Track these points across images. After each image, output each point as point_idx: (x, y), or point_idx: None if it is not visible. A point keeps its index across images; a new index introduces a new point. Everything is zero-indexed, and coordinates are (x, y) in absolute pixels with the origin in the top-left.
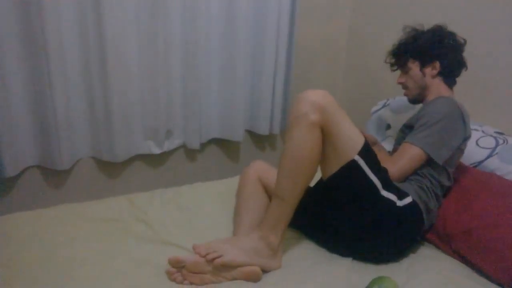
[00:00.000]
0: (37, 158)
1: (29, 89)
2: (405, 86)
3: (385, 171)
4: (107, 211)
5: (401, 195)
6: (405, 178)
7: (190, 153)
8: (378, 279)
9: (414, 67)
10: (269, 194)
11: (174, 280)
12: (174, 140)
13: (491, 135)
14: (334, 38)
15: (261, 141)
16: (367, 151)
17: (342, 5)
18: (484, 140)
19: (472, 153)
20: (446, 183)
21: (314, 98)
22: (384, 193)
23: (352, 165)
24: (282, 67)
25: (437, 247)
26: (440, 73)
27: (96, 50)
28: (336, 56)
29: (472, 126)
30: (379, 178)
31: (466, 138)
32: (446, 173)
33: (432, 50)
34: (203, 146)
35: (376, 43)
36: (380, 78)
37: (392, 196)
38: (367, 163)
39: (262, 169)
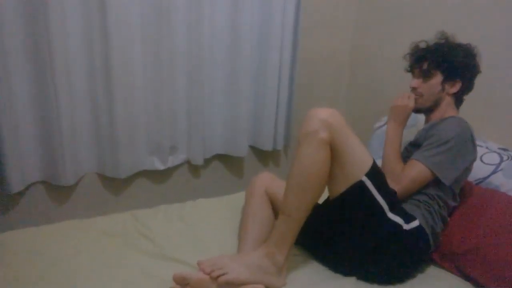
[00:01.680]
0: (42, 174)
1: (34, 106)
2: (418, 93)
3: (393, 193)
4: (111, 226)
5: (408, 218)
6: (410, 196)
7: (194, 169)
8: None
9: (437, 77)
10: (276, 207)
11: None
12: (178, 155)
13: (495, 151)
14: (337, 53)
15: (264, 157)
16: (375, 172)
17: (345, 21)
18: (488, 156)
19: (477, 169)
20: (452, 203)
21: (324, 116)
22: (391, 215)
23: (359, 186)
24: (286, 83)
25: (441, 266)
26: (455, 93)
27: (101, 67)
28: (340, 71)
29: (476, 142)
30: (386, 200)
31: (474, 159)
32: (452, 193)
33: (461, 69)
34: (207, 161)
35: (379, 59)
36: (383, 93)
37: (398, 219)
38: (374, 184)
39: (269, 181)
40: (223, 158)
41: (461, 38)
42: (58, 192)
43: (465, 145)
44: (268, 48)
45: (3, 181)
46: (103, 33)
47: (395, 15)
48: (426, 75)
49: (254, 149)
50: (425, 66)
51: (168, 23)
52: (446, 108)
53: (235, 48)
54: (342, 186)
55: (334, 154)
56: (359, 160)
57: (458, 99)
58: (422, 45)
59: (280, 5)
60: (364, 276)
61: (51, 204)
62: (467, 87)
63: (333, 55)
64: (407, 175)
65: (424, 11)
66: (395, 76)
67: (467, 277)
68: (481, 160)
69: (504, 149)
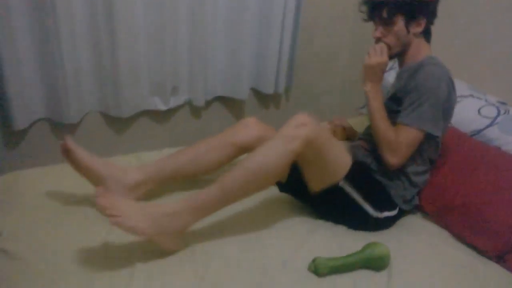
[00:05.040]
0: (46, 111)
1: (36, 44)
2: (383, 43)
3: (378, 191)
4: None
5: (392, 206)
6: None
7: (195, 110)
8: (371, 245)
9: (400, 21)
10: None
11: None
12: (180, 96)
13: (494, 105)
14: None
15: (265, 100)
16: (354, 176)
17: None
18: (486, 109)
19: (473, 121)
20: (434, 156)
21: (305, 131)
22: (378, 214)
23: (337, 190)
24: (290, 26)
25: (431, 216)
26: (422, 31)
27: (103, 6)
28: (343, 17)
29: (475, 94)
30: (370, 202)
31: (455, 104)
32: (435, 145)
33: (423, 4)
34: (208, 103)
35: None
36: None
37: (387, 213)
38: (355, 187)
39: (254, 132)
40: (224, 100)
41: None
42: (62, 130)
43: (448, 94)
44: None
45: (8, 118)
46: None
47: None
48: (387, 23)
49: (256, 92)
50: (384, 13)
51: None
52: (418, 47)
53: None
54: (318, 187)
55: (310, 161)
56: (337, 168)
57: (426, 34)
58: None
59: None
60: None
61: (55, 142)
62: (432, 21)
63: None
64: (402, 144)
65: None
66: None
67: (450, 230)
68: (479, 113)
69: (503, 103)
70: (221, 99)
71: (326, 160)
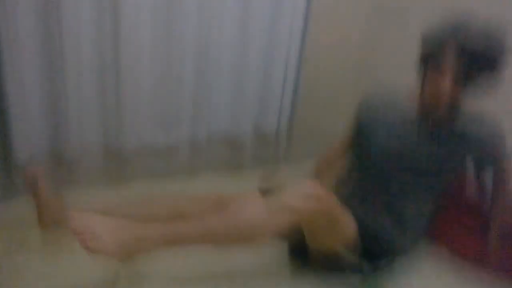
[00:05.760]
0: (49, 144)
1: (42, 78)
2: (451, 100)
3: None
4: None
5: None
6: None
7: (197, 148)
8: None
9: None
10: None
11: None
12: (182, 133)
13: None
14: (347, 37)
15: (266, 140)
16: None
17: (357, 10)
18: None
19: None
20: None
21: (315, 206)
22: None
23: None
24: (293, 67)
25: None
26: None
27: (110, 41)
28: (349, 56)
29: None
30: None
31: None
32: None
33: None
34: (210, 141)
35: (392, 53)
36: (396, 82)
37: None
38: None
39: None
40: (226, 139)
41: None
42: (64, 163)
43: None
44: (277, 32)
45: (10, 152)
46: (114, 5)
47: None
48: (466, 79)
49: (257, 132)
50: (472, 73)
51: (180, 1)
52: None
53: (244, 32)
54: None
55: (316, 229)
56: (344, 237)
57: None
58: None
59: None
60: None
61: (57, 175)
62: None
63: (343, 39)
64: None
65: None
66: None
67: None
68: None
69: None
70: (223, 138)
71: (334, 230)
